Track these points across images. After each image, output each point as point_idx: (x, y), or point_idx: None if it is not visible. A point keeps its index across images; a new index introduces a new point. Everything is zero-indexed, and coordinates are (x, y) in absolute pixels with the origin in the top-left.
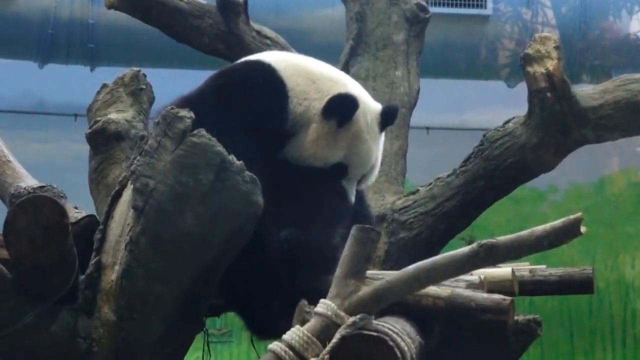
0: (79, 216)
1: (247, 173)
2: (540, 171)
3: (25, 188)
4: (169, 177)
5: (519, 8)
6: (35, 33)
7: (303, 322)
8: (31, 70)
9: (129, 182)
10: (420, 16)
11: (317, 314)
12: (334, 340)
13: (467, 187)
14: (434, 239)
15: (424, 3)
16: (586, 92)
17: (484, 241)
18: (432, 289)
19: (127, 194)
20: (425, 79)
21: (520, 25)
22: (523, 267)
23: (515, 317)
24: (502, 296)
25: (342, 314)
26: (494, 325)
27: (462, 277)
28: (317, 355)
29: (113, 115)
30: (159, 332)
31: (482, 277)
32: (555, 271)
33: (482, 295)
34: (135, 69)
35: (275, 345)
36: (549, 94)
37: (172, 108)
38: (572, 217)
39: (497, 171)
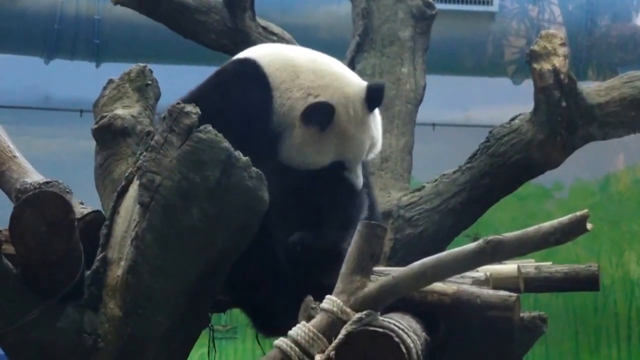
0: (85, 212)
1: (253, 169)
2: (546, 168)
3: (31, 183)
4: (175, 172)
5: (526, 5)
6: (41, 28)
7: (309, 318)
8: (37, 65)
9: (135, 178)
10: (427, 13)
11: (322, 310)
12: (340, 336)
13: (472, 184)
14: (439, 235)
15: (430, 0)
16: (592, 89)
17: (490, 237)
18: (437, 286)
19: (133, 189)
20: (431, 75)
21: (527, 22)
22: (529, 264)
23: (521, 314)
24: (508, 293)
25: (348, 310)
26: (500, 322)
27: (468, 273)
28: (323, 352)
29: (119, 111)
30: (164, 328)
31: (488, 273)
32: (561, 268)
33: (487, 292)
34: (142, 64)
35: (280, 341)
36: (555, 91)
37: (178, 103)
38: (578, 213)
39: (502, 168)
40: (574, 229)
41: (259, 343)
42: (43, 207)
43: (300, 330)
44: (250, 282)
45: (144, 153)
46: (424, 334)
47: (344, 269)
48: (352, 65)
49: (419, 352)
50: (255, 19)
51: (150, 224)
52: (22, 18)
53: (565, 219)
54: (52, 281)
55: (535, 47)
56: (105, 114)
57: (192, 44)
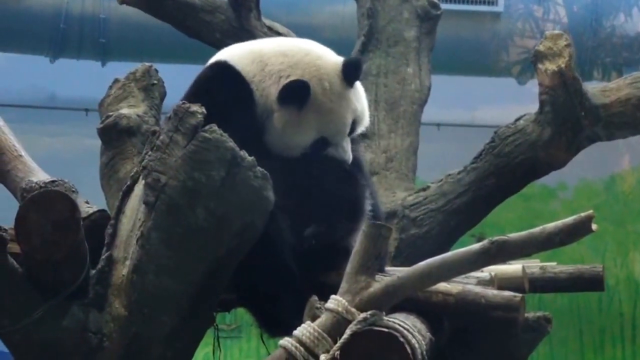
0: (90, 211)
1: (258, 168)
2: (551, 168)
3: (36, 182)
4: (180, 172)
5: (531, 5)
6: (47, 28)
7: (314, 318)
8: (42, 64)
9: (141, 177)
10: (432, 13)
11: (327, 309)
12: (345, 336)
13: (477, 184)
14: (444, 235)
15: (435, 0)
16: (597, 89)
17: (495, 238)
18: (442, 286)
19: (139, 189)
20: (436, 75)
21: (532, 22)
22: (533, 264)
23: (526, 314)
24: (512, 293)
25: (353, 310)
26: (505, 322)
27: (472, 273)
28: (328, 351)
29: (125, 110)
30: (169, 327)
31: (493, 274)
32: (566, 268)
33: (492, 292)
34: (147, 64)
35: (285, 341)
36: (560, 92)
37: (184, 103)
38: (583, 214)
39: (507, 168)
40: (579, 230)
41: (263, 342)
42: (49, 206)
43: (305, 330)
44: (255, 281)
45: (150, 152)
46: (428, 334)
47: (349, 268)
48: None
49: (424, 352)
50: (260, 18)
51: (156, 224)
52: (27, 17)
53: (570, 219)
54: (58, 280)
55: (541, 48)
56: (111, 113)
57: (197, 43)
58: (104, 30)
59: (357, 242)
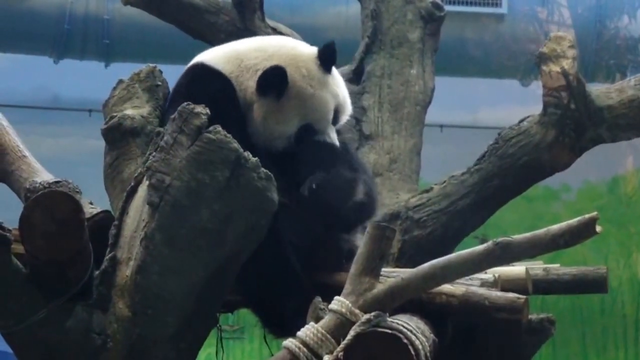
0: (94, 211)
1: (263, 170)
2: (554, 170)
3: (40, 183)
4: (184, 173)
5: (535, 7)
6: (51, 28)
7: (317, 319)
8: (46, 65)
9: (145, 178)
10: (436, 14)
11: (331, 311)
12: (348, 337)
13: (481, 186)
14: (447, 237)
15: (439, 1)
16: (601, 91)
17: (499, 239)
18: (446, 287)
19: (143, 189)
20: (439, 77)
21: (536, 24)
22: (537, 266)
23: (529, 316)
24: (516, 295)
25: (357, 311)
26: (508, 324)
27: (476, 275)
28: (331, 353)
29: (129, 111)
30: (173, 328)
31: (497, 275)
32: (569, 270)
33: (496, 294)
34: (151, 65)
35: (289, 342)
36: (564, 93)
37: (188, 104)
38: (587, 216)
39: (511, 170)
40: (583, 232)
41: (266, 343)
42: (53, 206)
43: (308, 331)
44: (260, 282)
45: (154, 153)
46: (432, 335)
47: (353, 270)
48: (360, 66)
49: (427, 353)
50: (264, 19)
51: (160, 224)
52: (31, 18)
53: (573, 221)
54: (61, 281)
55: (544, 50)
56: (115, 114)
57: (201, 44)
58: (107, 31)
59: (362, 243)
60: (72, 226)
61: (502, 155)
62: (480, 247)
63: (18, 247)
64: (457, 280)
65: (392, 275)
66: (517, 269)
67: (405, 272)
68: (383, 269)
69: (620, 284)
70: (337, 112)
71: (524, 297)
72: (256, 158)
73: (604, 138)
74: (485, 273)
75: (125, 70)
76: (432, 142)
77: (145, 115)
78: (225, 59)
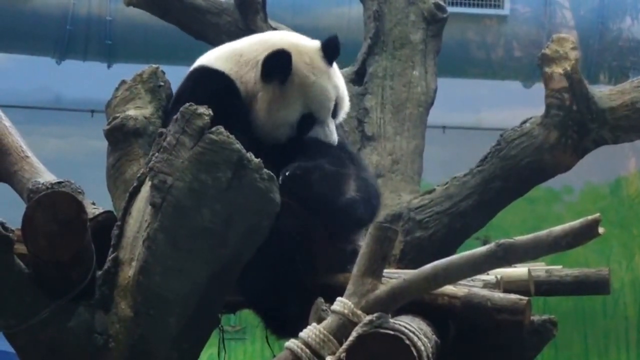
0: (97, 212)
1: (265, 171)
2: (557, 171)
3: (43, 183)
4: (187, 174)
5: (537, 8)
6: (54, 29)
7: (320, 320)
8: (49, 66)
9: (147, 179)
10: (438, 15)
11: (333, 312)
12: (351, 338)
13: (483, 187)
14: (449, 238)
15: (442, 2)
16: (604, 93)
17: (502, 241)
18: (448, 288)
19: (145, 190)
20: (442, 78)
21: (538, 25)
22: (539, 267)
23: (531, 317)
24: (518, 296)
25: (359, 312)
26: (510, 325)
27: (478, 276)
28: (334, 354)
29: (131, 112)
30: (175, 329)
31: (499, 276)
32: (571, 272)
33: (498, 295)
34: (154, 65)
35: (291, 343)
36: (566, 95)
37: (191, 105)
38: (590, 217)
39: (513, 171)
40: (586, 233)
41: (268, 344)
42: (55, 207)
43: (311, 332)
44: (262, 283)
45: (156, 154)
46: (434, 336)
47: (355, 270)
48: (363, 67)
49: (430, 354)
50: (267, 20)
51: (162, 225)
52: (34, 19)
53: (576, 222)
54: (64, 281)
55: (547, 51)
56: (118, 114)
57: (203, 45)
58: (110, 31)
59: (364, 244)
60: (75, 226)
61: (505, 156)
62: (482, 249)
63: (20, 248)
64: (459, 282)
65: (394, 276)
66: (519, 271)
67: (407, 273)
68: (385, 270)
69: (622, 286)
70: (336, 106)
71: (526, 298)
72: (259, 159)
73: (606, 140)
74: (488, 274)
75: (127, 71)
76: (434, 143)
77: (147, 116)
78: (223, 57)
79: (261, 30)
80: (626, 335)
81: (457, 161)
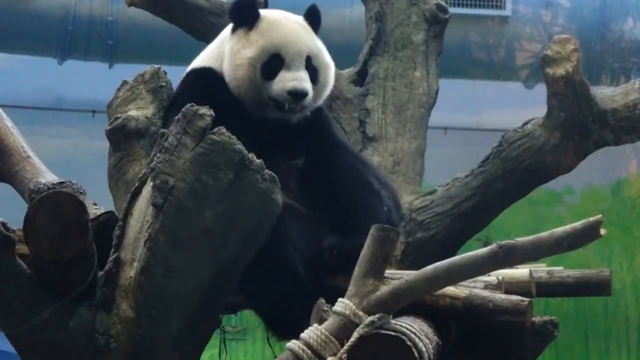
0: (98, 212)
1: (267, 171)
2: (558, 173)
3: (44, 184)
4: (188, 174)
5: (539, 9)
6: (55, 29)
7: (321, 321)
8: (50, 66)
9: (149, 179)
10: (440, 16)
11: (335, 312)
12: (352, 339)
13: (484, 188)
14: (450, 239)
15: (443, 3)
16: (605, 94)
17: (503, 242)
18: (450, 289)
19: (147, 190)
20: (443, 79)
21: (540, 26)
22: (540, 269)
23: (532, 319)
24: (520, 297)
25: (360, 313)
26: (512, 326)
27: (480, 277)
28: (335, 354)
29: (133, 112)
30: (176, 329)
31: (500, 278)
32: (573, 273)
33: (500, 296)
34: (156, 66)
35: (293, 344)
36: (568, 96)
37: (192, 105)
38: (591, 219)
39: (515, 172)
40: (588, 235)
41: (269, 345)
42: (57, 207)
43: (312, 332)
44: (263, 284)
45: (158, 154)
46: (435, 337)
47: (356, 272)
48: (364, 68)
49: (431, 355)
50: None
51: (163, 226)
52: (35, 19)
53: (578, 224)
54: (65, 281)
55: (549, 52)
56: (119, 115)
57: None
58: (111, 32)
59: (365, 245)
60: (76, 227)
61: (506, 157)
62: (483, 250)
63: (22, 248)
64: (461, 283)
65: (396, 277)
66: (520, 272)
67: (409, 274)
68: (387, 271)
69: (623, 287)
70: (316, 70)
71: (528, 299)
72: (260, 160)
73: (607, 141)
74: (489, 276)
75: (129, 71)
76: (435, 144)
77: (149, 116)
78: (208, 54)
79: None
80: (627, 337)
81: (459, 162)
